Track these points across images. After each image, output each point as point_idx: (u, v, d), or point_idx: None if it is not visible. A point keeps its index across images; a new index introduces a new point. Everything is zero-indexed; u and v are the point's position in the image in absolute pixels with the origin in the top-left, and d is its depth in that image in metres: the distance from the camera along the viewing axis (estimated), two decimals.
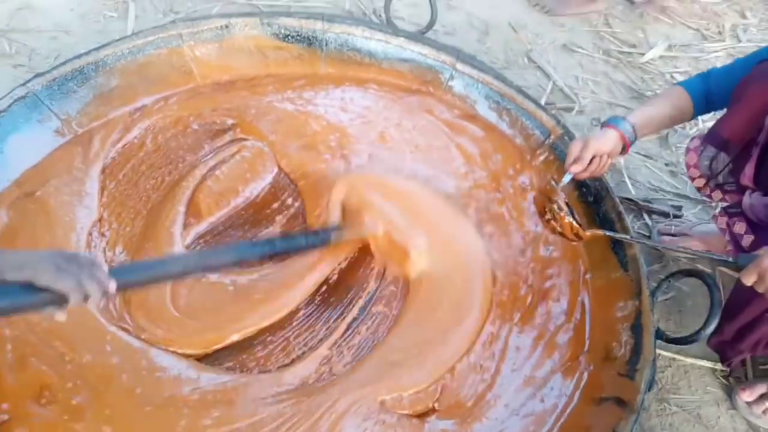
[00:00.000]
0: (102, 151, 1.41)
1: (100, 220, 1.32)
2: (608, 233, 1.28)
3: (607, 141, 1.24)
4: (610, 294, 1.30)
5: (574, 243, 1.35)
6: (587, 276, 1.38)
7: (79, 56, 1.45)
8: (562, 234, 1.27)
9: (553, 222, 1.27)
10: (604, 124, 1.28)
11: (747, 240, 1.28)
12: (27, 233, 1.26)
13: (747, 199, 1.26)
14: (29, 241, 1.25)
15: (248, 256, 1.16)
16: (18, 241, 1.25)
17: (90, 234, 1.30)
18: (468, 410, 1.16)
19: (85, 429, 1.05)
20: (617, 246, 1.35)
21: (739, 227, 1.30)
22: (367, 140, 1.56)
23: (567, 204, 1.28)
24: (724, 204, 1.40)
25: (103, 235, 1.31)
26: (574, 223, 1.24)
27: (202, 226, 1.36)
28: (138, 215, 1.35)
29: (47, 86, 1.40)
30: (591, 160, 1.24)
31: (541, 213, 1.32)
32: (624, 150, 1.27)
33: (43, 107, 1.39)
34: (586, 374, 1.21)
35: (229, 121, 1.54)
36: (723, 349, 1.34)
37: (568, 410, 1.17)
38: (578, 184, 1.48)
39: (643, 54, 2.12)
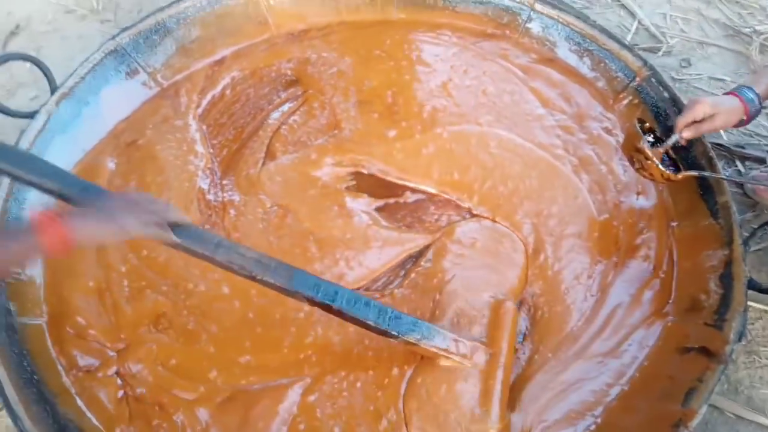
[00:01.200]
0: (191, 103, 1.47)
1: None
2: (704, 173, 1.21)
3: (733, 115, 1.12)
4: (698, 243, 1.25)
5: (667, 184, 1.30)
6: (674, 224, 1.32)
7: (161, 9, 1.49)
8: (653, 179, 1.22)
9: (641, 170, 1.21)
10: (730, 92, 1.16)
11: None
12: (137, 177, 1.35)
13: None
14: (140, 184, 1.34)
15: (301, 292, 1.00)
16: (128, 185, 1.33)
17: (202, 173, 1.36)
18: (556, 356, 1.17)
19: (199, 350, 1.14)
20: (707, 193, 1.28)
21: None
22: (426, 91, 1.52)
23: (657, 143, 1.21)
24: None
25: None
26: (664, 170, 1.18)
27: None
28: (223, 160, 1.41)
29: (133, 40, 1.45)
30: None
31: (630, 160, 1.25)
32: (742, 122, 1.15)
33: (131, 60, 1.45)
34: (670, 323, 1.18)
35: (293, 75, 1.54)
36: None
37: (649, 359, 1.15)
38: (666, 128, 1.40)
39: None
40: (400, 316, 1.03)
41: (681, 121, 1.15)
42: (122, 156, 1.38)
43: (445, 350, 1.05)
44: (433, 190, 1.37)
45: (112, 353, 1.14)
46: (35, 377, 1.06)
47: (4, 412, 1.13)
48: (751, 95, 1.12)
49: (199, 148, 1.40)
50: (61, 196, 0.95)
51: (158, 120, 1.44)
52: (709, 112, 1.11)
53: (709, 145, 1.32)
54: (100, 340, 1.15)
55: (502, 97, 1.52)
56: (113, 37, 1.43)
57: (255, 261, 0.98)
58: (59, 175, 0.98)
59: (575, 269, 1.27)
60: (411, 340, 1.02)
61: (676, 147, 1.20)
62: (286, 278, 0.99)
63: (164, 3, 1.51)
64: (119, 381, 1.10)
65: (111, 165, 1.37)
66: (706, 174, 1.22)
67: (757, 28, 1.84)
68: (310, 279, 1.01)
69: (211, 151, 1.42)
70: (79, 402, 1.07)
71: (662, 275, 1.25)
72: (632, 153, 1.22)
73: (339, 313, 1.01)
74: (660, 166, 1.18)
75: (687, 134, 1.15)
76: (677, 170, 1.21)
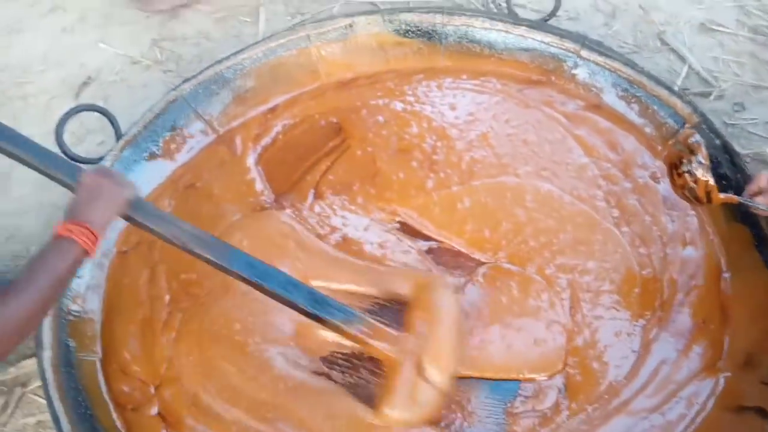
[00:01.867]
0: (247, 149, 1.54)
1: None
2: (743, 200, 1.14)
3: None
4: (752, 296, 1.20)
5: (701, 206, 1.26)
6: (726, 275, 1.28)
7: (219, 61, 1.58)
8: (690, 194, 1.17)
9: (686, 175, 1.16)
10: None
11: None
12: (191, 217, 1.36)
13: None
14: (193, 223, 1.37)
15: (233, 267, 1.07)
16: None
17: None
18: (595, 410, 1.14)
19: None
20: (761, 244, 1.24)
21: None
22: (466, 141, 1.54)
23: (706, 162, 1.16)
24: None
25: None
26: (711, 181, 1.14)
27: None
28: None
29: (193, 90, 1.54)
30: None
31: (673, 165, 1.20)
32: None
33: (190, 109, 1.54)
34: (722, 380, 1.13)
35: (338, 122, 1.60)
36: None
37: (700, 418, 1.11)
38: (717, 176, 1.36)
39: None
40: (328, 301, 1.10)
41: (748, 189, 1.11)
42: (180, 198, 1.46)
43: (370, 337, 1.10)
44: (463, 249, 1.38)
45: (153, 390, 1.18)
46: (89, 413, 1.12)
47: None
48: None
49: (258, 185, 1.48)
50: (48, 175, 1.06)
51: (215, 164, 1.52)
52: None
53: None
54: (141, 376, 1.20)
55: (543, 146, 1.52)
56: (175, 88, 1.53)
57: (194, 236, 1.07)
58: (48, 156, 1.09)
59: (614, 326, 1.24)
60: (338, 324, 1.08)
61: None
62: (223, 255, 1.07)
63: (222, 54, 1.61)
64: (162, 422, 1.14)
65: (168, 208, 1.44)
66: (744, 201, 1.14)
67: None
68: (245, 257, 1.08)
69: (269, 186, 1.49)
70: None
71: (713, 330, 1.21)
72: (680, 160, 1.18)
73: (271, 294, 1.08)
74: (709, 179, 1.13)
75: (761, 200, 1.08)
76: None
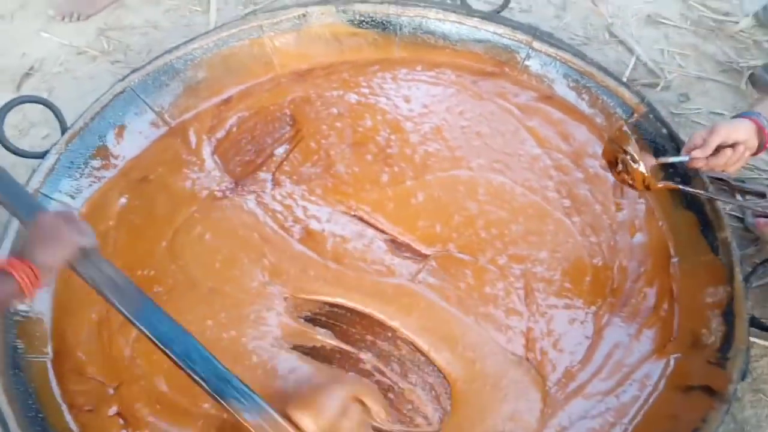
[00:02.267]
0: (201, 141, 1.50)
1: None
2: (682, 187, 1.21)
3: (739, 127, 1.06)
4: (699, 279, 1.25)
5: (643, 192, 1.29)
6: (674, 260, 1.33)
7: (169, 51, 1.54)
8: (632, 186, 1.21)
9: (623, 174, 1.20)
10: (735, 117, 1.12)
11: None
12: (146, 212, 1.38)
13: None
14: (147, 217, 1.37)
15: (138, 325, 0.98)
16: (137, 218, 1.37)
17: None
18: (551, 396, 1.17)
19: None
20: (707, 228, 1.29)
21: None
22: (420, 134, 1.54)
23: (635, 154, 1.19)
24: None
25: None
26: (646, 173, 1.17)
27: None
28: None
29: (142, 81, 1.49)
30: (717, 150, 1.08)
31: (611, 163, 1.24)
32: (761, 147, 1.08)
33: (139, 101, 1.49)
34: (672, 361, 1.18)
35: (290, 114, 1.57)
36: None
37: (652, 398, 1.15)
38: (664, 165, 1.42)
39: (737, 22, 1.98)
40: (233, 381, 0.96)
41: (686, 146, 1.13)
42: (134, 191, 1.41)
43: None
44: (414, 245, 1.37)
45: (111, 391, 1.15)
46: (40, 415, 1.08)
47: None
48: (757, 114, 1.08)
49: (216, 174, 1.45)
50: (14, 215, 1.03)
51: (169, 157, 1.47)
52: (705, 132, 1.09)
53: (707, 180, 1.33)
54: (97, 377, 1.16)
55: (496, 138, 1.54)
56: (123, 78, 1.48)
57: (109, 279, 0.99)
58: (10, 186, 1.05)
59: (568, 314, 1.27)
60: (235, 411, 0.95)
61: (674, 183, 1.22)
62: (132, 306, 0.98)
63: (172, 44, 1.56)
64: (121, 420, 1.11)
65: (122, 201, 1.40)
66: (682, 188, 1.20)
67: (752, 62, 1.87)
68: (155, 315, 0.99)
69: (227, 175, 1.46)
70: None
71: (663, 313, 1.25)
72: (616, 155, 1.21)
73: (173, 360, 0.97)
74: (643, 171, 1.17)
75: (696, 153, 1.09)
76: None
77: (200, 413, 1.12)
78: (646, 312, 1.26)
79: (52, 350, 1.18)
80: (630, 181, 1.21)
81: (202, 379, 0.95)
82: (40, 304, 1.23)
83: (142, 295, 1.01)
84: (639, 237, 1.38)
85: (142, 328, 0.97)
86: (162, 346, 0.96)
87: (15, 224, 1.23)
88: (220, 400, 0.95)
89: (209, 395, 0.96)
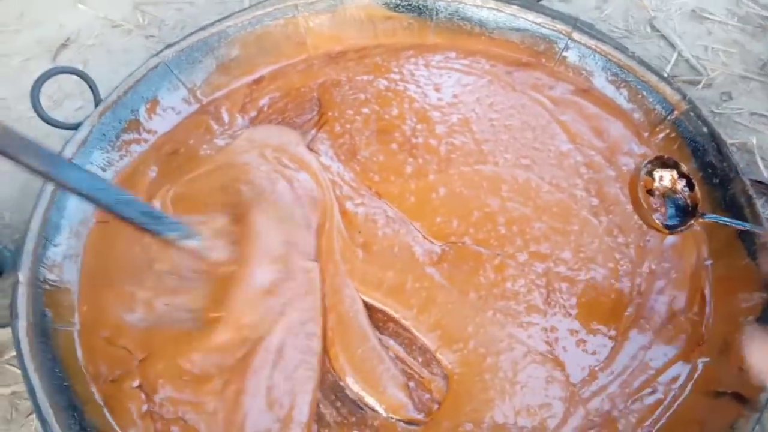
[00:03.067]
0: (234, 119, 1.50)
1: None
2: (719, 219, 1.15)
3: None
4: (733, 283, 1.22)
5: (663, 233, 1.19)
6: (708, 263, 1.29)
7: (204, 27, 1.53)
8: (664, 227, 1.14)
9: (658, 207, 1.14)
10: None
11: None
12: (173, 179, 1.38)
13: None
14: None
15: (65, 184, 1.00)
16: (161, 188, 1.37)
17: None
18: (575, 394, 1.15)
19: None
20: (745, 232, 1.25)
21: None
22: (447, 125, 1.50)
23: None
24: None
25: None
26: (656, 222, 1.12)
27: None
28: None
29: (176, 56, 1.49)
30: None
31: (639, 193, 1.16)
32: None
33: (172, 76, 1.49)
34: (700, 366, 1.15)
35: (317, 98, 1.56)
36: None
37: (677, 402, 1.12)
38: (702, 164, 1.38)
39: None
40: (160, 216, 1.11)
41: None
42: (163, 164, 1.42)
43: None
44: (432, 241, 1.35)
45: (137, 363, 1.16)
46: (65, 384, 1.09)
47: (32, 416, 1.16)
48: None
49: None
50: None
51: (200, 132, 1.48)
52: None
53: (748, 183, 1.29)
54: (128, 346, 1.17)
55: (526, 132, 1.50)
56: (157, 53, 1.48)
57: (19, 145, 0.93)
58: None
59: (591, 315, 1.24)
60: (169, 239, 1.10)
61: (712, 184, 1.17)
62: (51, 163, 0.97)
63: (207, 21, 1.56)
64: (142, 395, 1.12)
65: (152, 174, 1.41)
66: (719, 220, 1.13)
67: None
68: (75, 168, 1.07)
69: None
70: (106, 412, 1.10)
71: (692, 317, 1.22)
72: (652, 185, 1.16)
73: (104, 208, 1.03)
74: (656, 219, 1.12)
75: None
76: (682, 220, 1.14)
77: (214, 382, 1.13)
78: (674, 315, 1.23)
79: (79, 320, 1.20)
80: (663, 215, 1.13)
81: (135, 220, 1.04)
82: (68, 274, 1.25)
83: (52, 153, 1.00)
84: (671, 239, 1.34)
85: (67, 183, 0.98)
86: (93, 197, 1.00)
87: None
88: (159, 236, 1.08)
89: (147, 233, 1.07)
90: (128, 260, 1.27)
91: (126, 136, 1.43)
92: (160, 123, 1.47)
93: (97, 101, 1.39)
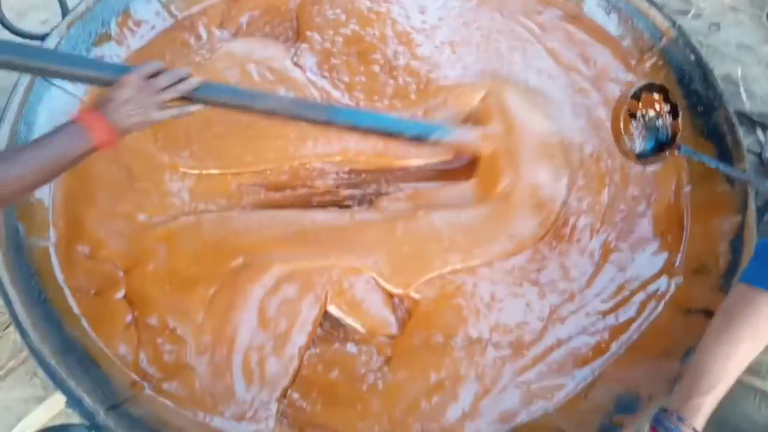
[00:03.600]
0: (212, 35, 1.44)
1: None
2: (694, 155, 1.12)
3: None
4: (711, 209, 1.24)
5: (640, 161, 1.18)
6: (686, 189, 1.31)
7: None
8: (640, 156, 1.14)
9: (641, 131, 1.14)
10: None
11: None
12: None
13: None
14: None
15: (337, 122, 1.15)
16: None
17: None
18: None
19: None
20: (725, 159, 1.26)
21: None
22: (431, 47, 1.46)
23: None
24: None
25: None
26: (629, 149, 1.11)
27: None
28: None
29: None
30: None
31: (624, 118, 1.13)
32: None
33: None
34: (674, 285, 1.18)
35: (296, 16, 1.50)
36: None
37: (650, 318, 1.16)
38: (688, 92, 1.38)
39: None
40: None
41: None
42: None
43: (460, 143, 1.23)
44: None
45: (121, 274, 1.15)
46: (42, 296, 1.08)
47: (11, 328, 1.15)
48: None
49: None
50: (95, 82, 1.02)
51: (177, 47, 1.41)
52: None
53: (732, 112, 1.29)
54: (112, 259, 1.16)
55: (513, 56, 1.47)
56: None
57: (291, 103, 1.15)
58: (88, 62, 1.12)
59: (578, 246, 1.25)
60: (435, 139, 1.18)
61: (696, 112, 1.17)
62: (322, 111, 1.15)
63: None
64: (127, 306, 1.12)
65: None
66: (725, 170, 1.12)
67: None
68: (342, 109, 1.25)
69: None
70: (85, 324, 1.09)
71: (670, 239, 1.24)
72: (636, 110, 1.14)
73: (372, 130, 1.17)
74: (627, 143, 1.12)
75: None
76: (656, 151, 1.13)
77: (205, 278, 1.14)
78: (654, 238, 1.25)
79: (56, 235, 1.17)
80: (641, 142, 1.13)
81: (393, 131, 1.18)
82: (38, 191, 1.21)
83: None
84: (653, 165, 1.34)
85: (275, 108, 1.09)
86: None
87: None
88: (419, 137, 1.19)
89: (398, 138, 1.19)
90: (108, 180, 1.24)
91: (97, 51, 1.36)
92: (133, 37, 1.40)
93: (65, 12, 1.32)
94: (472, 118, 1.35)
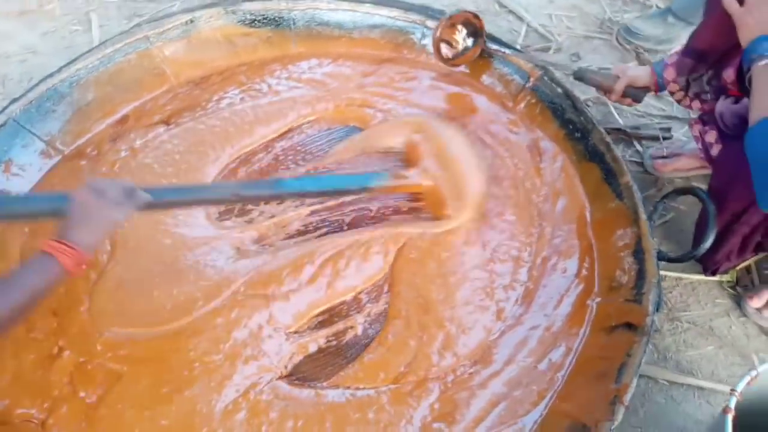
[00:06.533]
0: (99, 167, 1.43)
1: None
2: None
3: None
4: (609, 225, 1.31)
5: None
6: (588, 210, 1.37)
7: (51, 75, 1.46)
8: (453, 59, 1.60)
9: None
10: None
11: (716, 149, 1.32)
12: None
13: (719, 106, 1.28)
14: None
15: (284, 194, 1.24)
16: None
17: None
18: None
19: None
20: (609, 176, 1.35)
21: (710, 136, 1.34)
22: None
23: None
24: (701, 113, 1.40)
25: None
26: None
27: None
28: None
29: (25, 110, 1.41)
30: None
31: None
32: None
33: (24, 132, 1.40)
34: (594, 306, 1.23)
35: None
36: (703, 261, 1.37)
37: (581, 345, 1.19)
38: (564, 122, 1.48)
39: None
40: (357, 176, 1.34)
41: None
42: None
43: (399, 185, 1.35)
44: None
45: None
46: None
47: None
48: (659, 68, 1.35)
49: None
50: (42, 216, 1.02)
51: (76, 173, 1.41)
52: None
53: (604, 132, 1.40)
54: (28, 416, 1.09)
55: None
56: (2, 110, 1.38)
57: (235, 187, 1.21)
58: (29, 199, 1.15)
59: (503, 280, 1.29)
60: (373, 187, 1.31)
61: (575, 138, 1.27)
62: (269, 187, 1.22)
63: (54, 69, 1.48)
64: None
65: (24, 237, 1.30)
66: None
67: (635, 14, 1.98)
68: (285, 181, 1.26)
69: None
70: None
71: (585, 271, 1.28)
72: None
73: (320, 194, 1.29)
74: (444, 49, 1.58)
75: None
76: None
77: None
78: (573, 272, 1.29)
79: None
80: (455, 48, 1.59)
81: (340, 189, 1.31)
82: None
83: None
84: (560, 203, 1.39)
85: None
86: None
87: None
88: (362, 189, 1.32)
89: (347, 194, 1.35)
90: None
91: None
92: (19, 183, 1.37)
93: None
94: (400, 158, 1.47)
